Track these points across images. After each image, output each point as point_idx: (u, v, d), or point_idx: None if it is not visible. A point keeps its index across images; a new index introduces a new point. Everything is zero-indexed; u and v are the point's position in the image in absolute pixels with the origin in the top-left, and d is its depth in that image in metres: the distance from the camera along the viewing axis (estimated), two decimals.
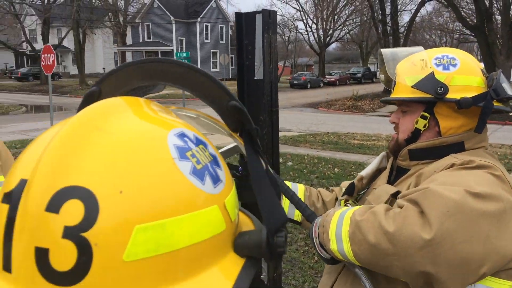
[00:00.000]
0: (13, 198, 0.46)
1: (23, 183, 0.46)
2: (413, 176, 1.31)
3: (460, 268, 1.03)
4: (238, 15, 1.77)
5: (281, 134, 13.81)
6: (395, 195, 1.29)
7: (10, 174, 0.50)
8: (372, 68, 55.75)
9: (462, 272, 1.03)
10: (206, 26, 44.90)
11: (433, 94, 1.30)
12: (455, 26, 46.92)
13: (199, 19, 43.74)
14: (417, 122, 1.37)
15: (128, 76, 0.63)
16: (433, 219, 1.02)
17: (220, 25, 46.45)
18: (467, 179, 1.11)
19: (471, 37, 38.79)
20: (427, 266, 1.02)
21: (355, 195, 1.50)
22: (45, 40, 34.70)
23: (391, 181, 1.43)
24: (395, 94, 1.42)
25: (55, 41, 40.76)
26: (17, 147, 10.73)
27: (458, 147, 1.32)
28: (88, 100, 0.62)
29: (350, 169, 8.66)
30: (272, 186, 0.58)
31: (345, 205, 1.49)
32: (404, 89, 1.38)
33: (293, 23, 52.21)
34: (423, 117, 1.35)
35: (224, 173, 0.56)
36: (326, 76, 43.59)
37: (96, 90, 0.63)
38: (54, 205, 0.44)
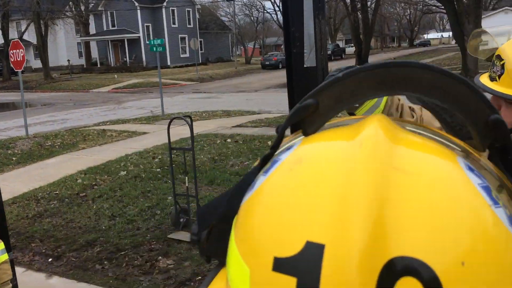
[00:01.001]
0: (302, 268, 0.33)
1: (315, 248, 0.33)
2: None
3: None
4: (285, 1, 1.69)
5: (262, 116, 13.79)
6: None
7: (275, 227, 0.37)
8: (341, 44, 56.10)
9: None
10: (173, 11, 43.86)
11: None
12: None
13: (165, 3, 42.67)
14: None
15: (357, 86, 0.49)
16: None
17: (187, 9, 45.48)
18: None
19: (434, 7, 39.74)
20: None
21: None
22: (5, 34, 33.26)
23: None
24: (504, 88, 1.26)
25: (15, 35, 39.00)
26: None
27: None
28: (301, 114, 0.49)
29: None
30: None
31: None
32: None
33: (261, 3, 51.80)
34: None
35: None
36: None
37: (312, 104, 0.50)
38: None
